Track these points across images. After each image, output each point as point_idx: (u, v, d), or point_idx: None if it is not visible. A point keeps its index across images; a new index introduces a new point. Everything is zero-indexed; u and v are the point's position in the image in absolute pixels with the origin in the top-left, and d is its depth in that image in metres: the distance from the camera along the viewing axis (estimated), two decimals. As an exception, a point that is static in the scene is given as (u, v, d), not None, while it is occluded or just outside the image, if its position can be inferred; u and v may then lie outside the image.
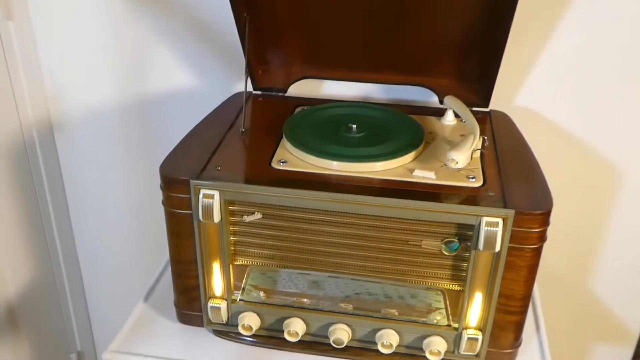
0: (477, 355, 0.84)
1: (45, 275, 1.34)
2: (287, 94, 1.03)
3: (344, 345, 0.84)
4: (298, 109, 0.97)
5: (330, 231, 0.79)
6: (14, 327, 1.27)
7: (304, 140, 0.84)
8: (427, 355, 0.83)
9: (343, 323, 0.84)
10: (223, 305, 0.86)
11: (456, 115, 0.93)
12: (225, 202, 0.79)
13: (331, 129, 0.87)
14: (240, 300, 0.87)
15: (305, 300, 0.85)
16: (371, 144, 0.84)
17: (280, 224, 0.81)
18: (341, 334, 0.84)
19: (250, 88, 1.02)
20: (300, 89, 1.04)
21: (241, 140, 0.88)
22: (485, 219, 0.73)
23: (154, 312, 0.95)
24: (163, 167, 0.80)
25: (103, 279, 1.44)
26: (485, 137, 0.87)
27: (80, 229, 1.38)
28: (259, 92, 1.03)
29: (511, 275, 0.77)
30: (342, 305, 0.84)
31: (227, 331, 0.89)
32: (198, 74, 1.14)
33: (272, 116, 0.94)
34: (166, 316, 0.93)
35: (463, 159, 0.77)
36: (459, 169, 0.79)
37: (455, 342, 0.83)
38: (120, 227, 1.35)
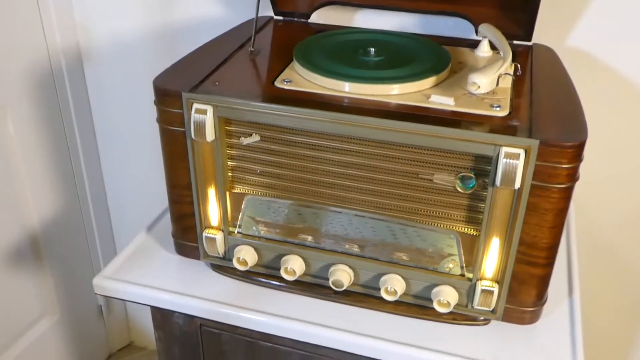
0: (492, 311, 0.74)
1: (71, 204, 1.32)
2: (310, 21, 0.95)
3: (343, 287, 0.76)
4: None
5: (332, 159, 0.72)
6: (37, 257, 1.26)
7: (314, 61, 0.76)
8: (435, 305, 0.74)
9: (345, 264, 0.77)
10: (219, 236, 0.79)
11: (493, 48, 0.83)
12: (220, 120, 0.72)
13: (348, 52, 0.79)
14: (238, 233, 0.80)
15: (306, 237, 0.78)
16: (388, 68, 0.75)
17: (280, 148, 0.73)
18: (342, 275, 0.76)
19: (271, 13, 0.95)
20: (327, 18, 0.96)
21: (249, 60, 0.81)
22: (504, 150, 0.63)
23: (155, 243, 0.90)
24: (157, 79, 0.74)
25: (130, 208, 1.41)
26: (519, 66, 0.76)
27: (107, 159, 1.36)
28: (281, 18, 0.96)
29: (534, 219, 0.67)
30: (346, 245, 0.76)
31: (224, 266, 0.83)
32: (226, 3, 1.07)
33: (288, 40, 0.86)
34: (166, 248, 0.88)
35: (486, 83, 0.68)
36: (483, 97, 0.69)
37: (468, 294, 0.74)
38: (147, 157, 1.32)
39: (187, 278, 0.84)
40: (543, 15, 0.89)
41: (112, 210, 1.42)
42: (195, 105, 0.71)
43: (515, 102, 0.70)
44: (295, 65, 0.76)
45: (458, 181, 0.68)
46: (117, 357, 1.55)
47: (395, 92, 0.71)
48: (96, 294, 0.83)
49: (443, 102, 0.69)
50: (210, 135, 0.72)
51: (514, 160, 0.63)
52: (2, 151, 1.12)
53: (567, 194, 0.65)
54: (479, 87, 0.67)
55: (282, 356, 0.83)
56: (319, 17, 0.94)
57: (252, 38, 0.82)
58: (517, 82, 0.75)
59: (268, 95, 0.71)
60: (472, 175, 0.67)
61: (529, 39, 0.85)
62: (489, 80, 0.67)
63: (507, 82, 0.72)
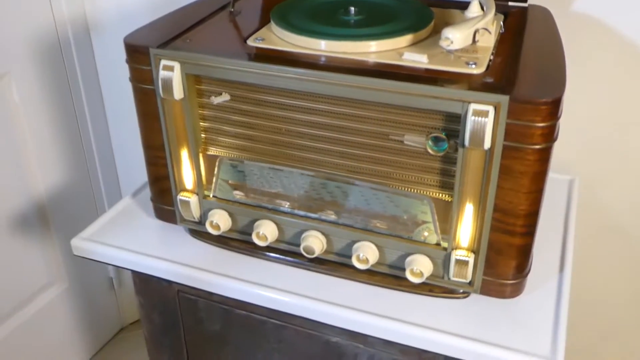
0: (470, 284, 0.70)
1: (79, 172, 1.32)
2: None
3: (314, 254, 0.73)
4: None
5: (302, 119, 0.69)
6: (45, 225, 1.28)
7: (289, 20, 0.73)
8: (408, 275, 0.70)
9: (318, 231, 0.74)
10: (193, 199, 0.78)
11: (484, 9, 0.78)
12: (189, 78, 0.70)
13: (328, 12, 0.76)
14: (213, 197, 0.78)
15: (280, 202, 0.75)
16: (366, 26, 0.72)
17: (250, 108, 0.71)
18: (313, 241, 0.73)
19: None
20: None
21: (228, 20, 0.79)
22: (472, 107, 0.59)
23: (138, 208, 0.89)
24: (128, 36, 0.73)
25: (139, 176, 1.41)
26: (502, 23, 0.72)
27: (115, 126, 1.36)
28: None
29: (509, 183, 0.63)
30: (320, 212, 0.74)
31: (200, 231, 0.81)
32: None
33: (275, 3, 0.84)
34: (147, 213, 0.87)
35: (459, 39, 0.64)
36: (460, 55, 0.65)
37: (444, 264, 0.70)
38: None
39: (164, 242, 0.82)
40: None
41: (121, 178, 1.43)
42: (163, 62, 0.69)
43: (495, 60, 0.66)
44: (272, 24, 0.74)
45: (429, 142, 0.65)
46: (128, 331, 1.57)
47: (368, 50, 0.68)
48: (74, 254, 0.83)
49: (416, 59, 0.65)
50: (178, 93, 0.70)
51: (482, 118, 0.59)
52: (7, 118, 1.13)
53: (543, 156, 0.61)
54: (451, 42, 0.63)
55: (257, 325, 0.81)
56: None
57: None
58: (502, 41, 0.71)
59: (236, 51, 0.69)
60: (444, 136, 0.64)
61: (525, 0, 0.80)
62: (463, 35, 0.63)
63: (488, 41, 0.68)
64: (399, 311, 0.72)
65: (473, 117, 0.59)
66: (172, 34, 0.73)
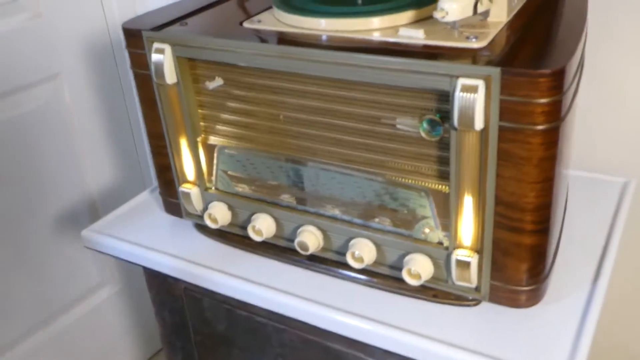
0: (477, 289, 0.62)
1: (132, 174, 1.34)
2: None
3: (309, 251, 0.68)
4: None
5: (293, 103, 0.64)
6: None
7: (290, 1, 0.69)
8: (405, 276, 0.63)
9: (315, 226, 0.68)
10: (194, 191, 0.75)
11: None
12: (182, 61, 0.68)
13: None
14: (215, 189, 0.75)
15: (279, 195, 0.71)
16: (370, 3, 0.66)
17: (243, 93, 0.67)
18: (308, 237, 0.68)
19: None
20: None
21: (237, 6, 0.76)
22: (460, 82, 0.52)
23: (153, 203, 0.87)
24: (127, 22, 0.72)
25: None
26: (517, -3, 0.64)
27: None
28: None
29: (509, 171, 0.55)
30: (317, 205, 0.68)
31: (203, 225, 0.78)
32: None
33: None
34: (162, 208, 0.85)
35: (456, 10, 0.56)
36: (463, 30, 0.59)
37: (447, 266, 0.62)
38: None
39: (171, 237, 0.80)
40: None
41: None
42: (155, 45, 0.67)
43: (502, 34, 0.58)
44: (273, 6, 0.70)
45: (423, 126, 0.58)
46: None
47: (366, 27, 0.62)
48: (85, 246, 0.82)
49: (412, 35, 0.59)
50: (170, 77, 0.68)
51: (471, 94, 0.52)
52: (58, 117, 1.17)
53: (548, 138, 0.53)
54: (446, 13, 0.56)
55: (259, 327, 0.76)
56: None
57: (242, -17, 0.77)
58: (520, 15, 0.63)
59: (227, 32, 0.66)
60: (438, 119, 0.57)
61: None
62: (460, 6, 0.56)
63: (500, 15, 0.60)
64: (400, 318, 0.64)
65: (461, 94, 0.52)
66: (170, 17, 0.71)
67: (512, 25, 0.60)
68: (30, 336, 1.22)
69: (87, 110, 1.21)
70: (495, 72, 0.51)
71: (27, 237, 1.16)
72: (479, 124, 0.53)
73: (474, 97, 0.52)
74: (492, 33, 0.58)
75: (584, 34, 0.58)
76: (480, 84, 0.51)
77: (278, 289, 0.70)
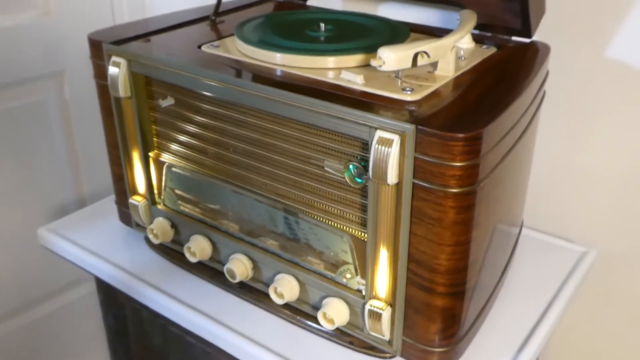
0: (389, 343, 0.61)
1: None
2: (309, 3, 0.88)
3: (236, 279, 0.68)
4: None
5: (234, 131, 0.65)
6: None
7: (248, 32, 0.69)
8: (319, 318, 0.62)
9: (246, 255, 0.68)
10: (141, 204, 0.76)
11: (480, 41, 0.70)
12: (137, 77, 0.69)
13: (297, 28, 0.71)
14: (163, 204, 0.76)
15: (219, 220, 0.71)
16: (323, 43, 0.66)
17: (191, 115, 0.68)
18: (236, 265, 0.68)
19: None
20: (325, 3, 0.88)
21: (207, 26, 0.76)
22: (377, 134, 0.52)
23: (114, 209, 0.88)
24: (93, 32, 0.73)
25: None
26: (462, 51, 0.63)
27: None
28: (282, -3, 0.90)
29: (421, 230, 0.54)
30: (251, 235, 0.68)
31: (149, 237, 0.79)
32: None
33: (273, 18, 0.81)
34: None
35: (393, 60, 0.56)
36: (404, 80, 0.58)
37: (362, 315, 0.61)
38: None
39: (120, 245, 0.81)
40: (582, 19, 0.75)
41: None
42: (113, 58, 0.69)
43: (441, 90, 0.57)
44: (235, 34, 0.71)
45: (347, 171, 0.57)
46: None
47: (315, 66, 0.62)
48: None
49: (351, 79, 0.59)
50: (123, 90, 0.69)
51: (386, 147, 0.51)
52: (56, 115, 1.19)
53: (461, 202, 0.51)
54: (383, 62, 0.56)
55: (188, 347, 0.76)
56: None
57: (216, 6, 0.78)
58: (470, 73, 0.62)
59: (179, 54, 0.67)
60: (361, 167, 0.56)
61: (529, 35, 0.70)
62: (398, 56, 0.56)
63: (447, 70, 0.60)
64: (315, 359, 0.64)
65: (377, 146, 0.51)
66: (135, 32, 0.72)
67: (456, 81, 0.60)
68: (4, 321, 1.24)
69: (85, 109, 1.23)
70: (410, 129, 0.50)
71: (11, 224, 1.19)
72: (392, 178, 0.52)
73: (388, 150, 0.51)
74: (431, 87, 0.57)
75: (521, 99, 0.57)
76: (396, 138, 0.51)
77: (204, 313, 0.70)
